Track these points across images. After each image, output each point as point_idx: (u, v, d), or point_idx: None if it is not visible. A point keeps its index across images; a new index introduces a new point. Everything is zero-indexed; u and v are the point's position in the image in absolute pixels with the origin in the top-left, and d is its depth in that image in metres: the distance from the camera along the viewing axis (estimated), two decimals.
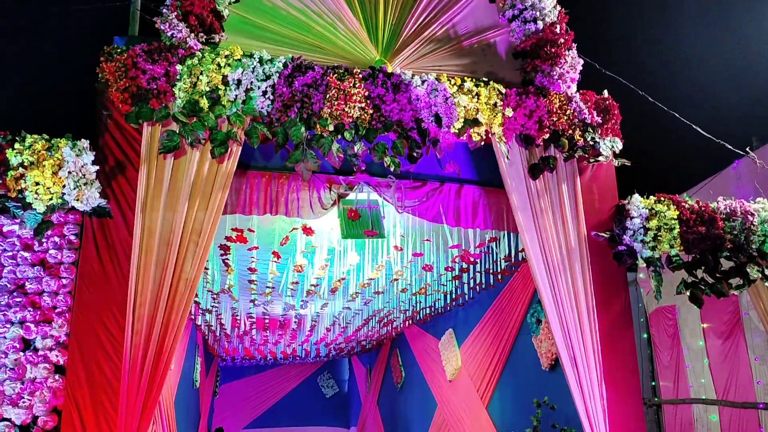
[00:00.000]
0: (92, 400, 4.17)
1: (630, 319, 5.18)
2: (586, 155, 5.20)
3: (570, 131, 5.12)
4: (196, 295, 8.29)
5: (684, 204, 5.15)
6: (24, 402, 4.23)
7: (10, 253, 4.49)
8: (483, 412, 7.87)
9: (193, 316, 9.61)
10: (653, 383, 9.32)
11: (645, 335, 9.49)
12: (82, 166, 4.24)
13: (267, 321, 11.13)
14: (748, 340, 7.49)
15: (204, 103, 4.51)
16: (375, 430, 14.43)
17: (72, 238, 4.52)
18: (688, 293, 5.11)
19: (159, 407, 7.11)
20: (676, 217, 5.02)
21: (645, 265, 5.08)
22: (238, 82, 4.55)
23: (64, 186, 4.20)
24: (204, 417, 12.75)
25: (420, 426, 10.89)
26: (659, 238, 4.96)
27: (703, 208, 5.13)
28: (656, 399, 9.23)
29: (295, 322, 11.08)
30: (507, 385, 7.39)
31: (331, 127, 4.67)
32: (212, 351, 14.09)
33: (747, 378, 7.46)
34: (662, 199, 5.16)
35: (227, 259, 6.65)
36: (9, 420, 4.19)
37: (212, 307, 9.29)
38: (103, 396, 4.18)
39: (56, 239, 4.51)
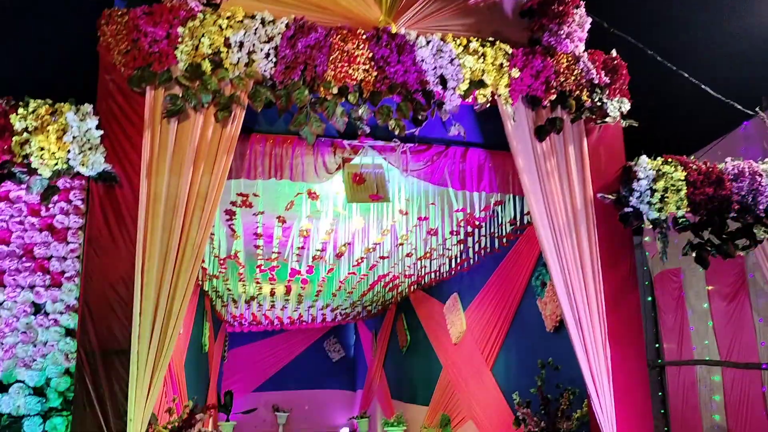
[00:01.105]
0: (103, 362, 4.23)
1: (635, 281, 5.20)
2: (594, 116, 5.14)
3: (577, 92, 5.06)
4: (203, 261, 8.35)
5: (692, 165, 5.11)
6: (37, 364, 4.31)
7: (18, 219, 4.51)
8: (487, 374, 7.97)
9: (200, 282, 9.70)
10: (657, 345, 9.40)
11: (649, 298, 9.53)
12: (87, 131, 4.23)
13: (273, 286, 11.22)
14: (752, 302, 7.51)
15: (206, 66, 4.47)
16: (381, 393, 14.66)
17: (78, 203, 4.54)
18: (693, 254, 5.11)
19: (169, 370, 7.22)
20: (683, 178, 4.99)
21: (651, 227, 5.08)
22: (241, 45, 4.50)
23: (68, 151, 4.20)
24: (213, 380, 12.97)
25: (425, 388, 11.05)
26: (666, 199, 4.94)
27: (710, 169, 5.10)
28: (660, 360, 9.32)
29: (301, 287, 11.16)
30: (511, 348, 7.47)
31: (335, 90, 4.63)
32: (220, 316, 14.26)
33: (751, 339, 7.51)
34: (670, 160, 5.12)
35: (233, 224, 6.67)
36: (23, 381, 4.27)
37: (219, 272, 9.36)
38: (114, 358, 4.24)
39: (63, 204, 4.54)
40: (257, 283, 10.71)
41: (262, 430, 17.34)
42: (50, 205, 4.52)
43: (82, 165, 4.25)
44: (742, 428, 7.55)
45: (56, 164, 4.23)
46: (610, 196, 5.05)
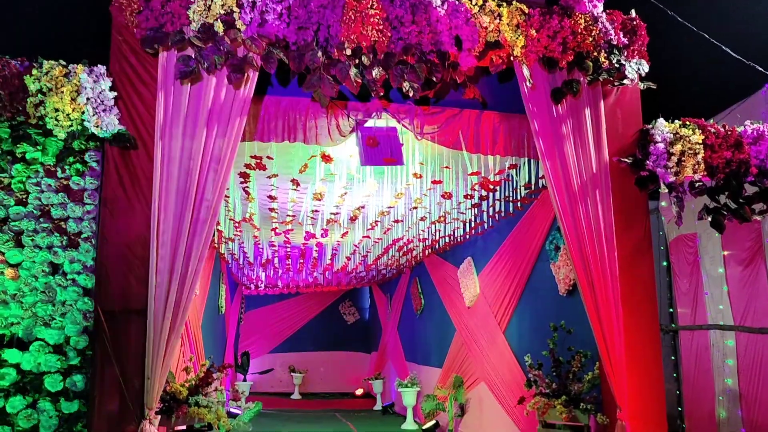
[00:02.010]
0: (122, 321, 4.32)
1: (650, 246, 5.17)
2: (611, 78, 5.04)
3: (595, 53, 4.96)
4: (218, 224, 8.42)
5: (710, 128, 5.03)
6: (56, 323, 4.40)
7: (35, 180, 4.56)
8: (500, 336, 8.03)
9: (216, 245, 9.80)
10: (671, 310, 9.39)
11: (665, 263, 9.49)
12: (100, 92, 4.24)
13: (288, 250, 11.32)
14: None
15: (219, 26, 4.43)
16: (395, 355, 14.85)
17: (94, 165, 4.58)
18: (709, 219, 5.06)
19: (186, 329, 7.36)
20: (701, 141, 4.91)
21: (667, 191, 5.02)
22: (253, 4, 4.45)
23: (83, 112, 4.22)
24: (230, 341, 13.21)
25: (439, 350, 11.17)
26: (683, 163, 4.88)
27: (729, 132, 5.01)
28: (673, 325, 9.32)
29: (315, 250, 11.25)
30: (524, 311, 7.50)
31: (348, 51, 4.58)
32: (236, 279, 14.44)
33: (765, 304, 7.47)
34: (687, 123, 5.04)
35: (247, 187, 6.70)
36: (43, 340, 4.37)
37: (235, 236, 9.44)
38: (133, 317, 4.33)
39: (78, 166, 4.57)
40: (272, 246, 10.79)
41: (278, 390, 17.69)
42: (66, 167, 4.56)
43: (97, 126, 4.27)
44: (755, 392, 7.57)
45: (71, 125, 4.26)
46: (626, 160, 4.99)
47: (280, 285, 16.69)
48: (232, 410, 8.63)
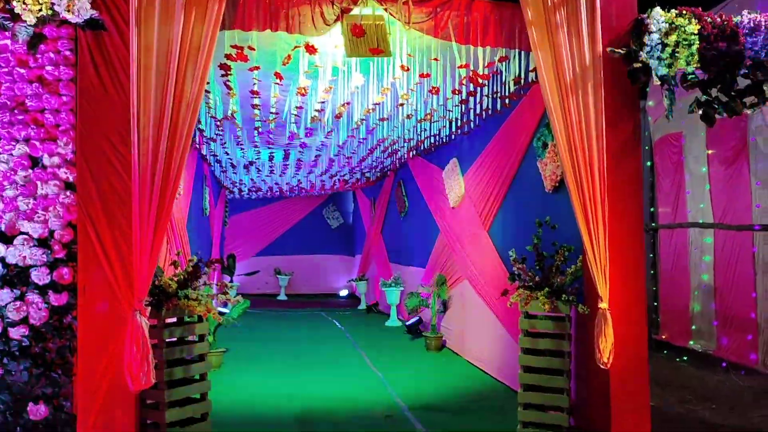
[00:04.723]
0: (105, 214, 4.28)
1: (639, 142, 5.14)
2: None
3: None
4: (200, 122, 8.23)
5: (706, 18, 4.87)
6: (39, 217, 4.34)
7: (6, 69, 4.36)
8: (484, 235, 8.12)
9: (197, 146, 9.63)
10: (651, 209, 9.53)
11: (648, 163, 9.54)
12: None
13: (272, 151, 11.17)
14: (751, 165, 7.53)
15: None
16: (379, 257, 15.08)
17: (67, 53, 4.37)
18: (700, 112, 5.00)
19: (172, 227, 7.34)
20: (696, 32, 4.78)
21: (659, 83, 4.93)
22: None
23: None
24: (216, 243, 13.28)
25: (422, 251, 11.34)
26: (676, 54, 4.76)
27: (725, 22, 4.87)
28: (654, 224, 9.50)
29: (299, 152, 11.11)
30: (509, 209, 7.55)
31: None
32: (219, 182, 14.34)
33: (746, 202, 7.61)
34: (684, 12, 4.87)
35: (228, 81, 6.48)
36: (27, 233, 4.32)
37: (216, 135, 9.25)
38: (116, 210, 4.28)
39: (51, 55, 4.37)
40: (255, 146, 10.63)
41: (264, 291, 18.05)
42: (38, 56, 4.35)
43: (68, 11, 4.04)
44: (729, 286, 7.85)
45: (40, 10, 4.02)
46: (619, 51, 4.85)
47: (264, 189, 16.64)
48: (220, 309, 8.78)
